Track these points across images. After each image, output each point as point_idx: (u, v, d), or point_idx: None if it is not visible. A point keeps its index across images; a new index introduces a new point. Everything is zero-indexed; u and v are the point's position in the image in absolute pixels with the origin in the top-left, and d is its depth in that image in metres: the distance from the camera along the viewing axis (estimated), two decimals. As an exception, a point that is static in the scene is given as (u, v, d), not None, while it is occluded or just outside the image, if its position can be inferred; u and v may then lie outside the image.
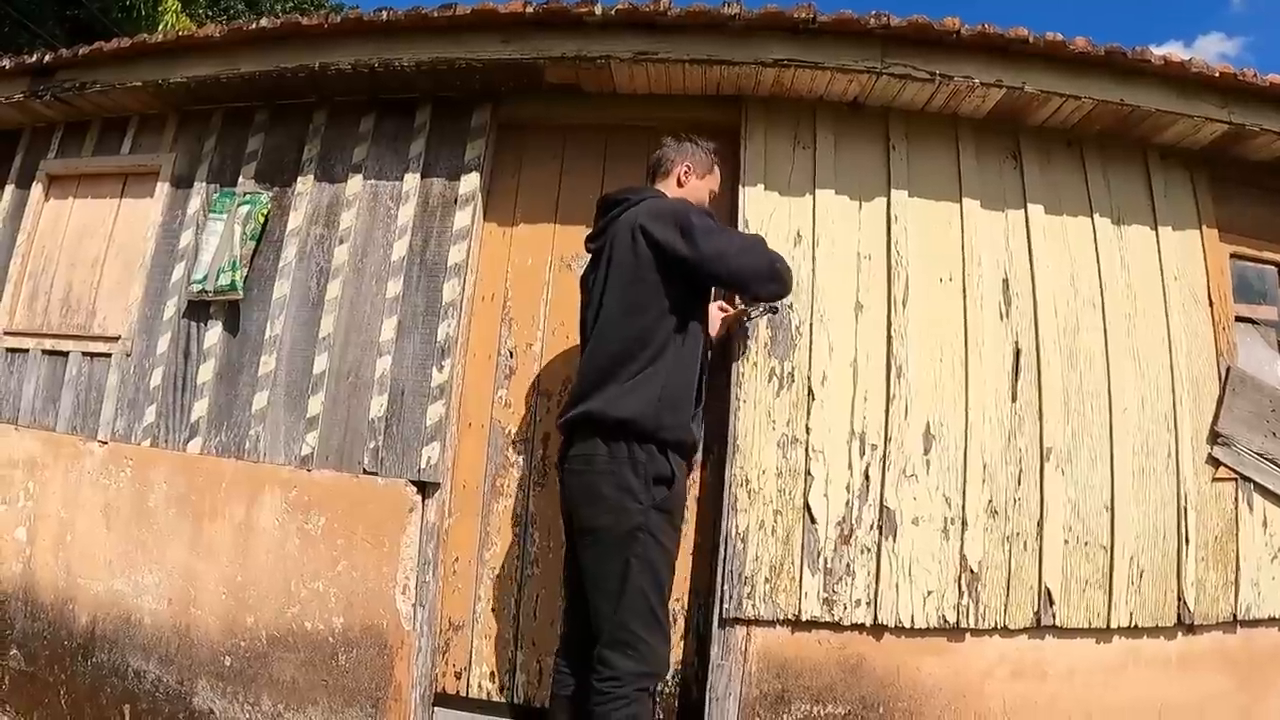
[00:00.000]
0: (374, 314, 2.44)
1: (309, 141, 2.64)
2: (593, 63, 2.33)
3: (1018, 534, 2.28)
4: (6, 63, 2.84)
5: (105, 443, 2.69)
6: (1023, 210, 2.45)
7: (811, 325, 2.32)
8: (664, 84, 2.44)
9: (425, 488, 2.34)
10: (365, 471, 2.38)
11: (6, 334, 2.92)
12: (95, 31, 6.95)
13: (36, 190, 3.00)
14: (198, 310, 2.63)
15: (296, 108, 2.69)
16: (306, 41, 2.47)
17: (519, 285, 2.49)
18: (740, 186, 2.40)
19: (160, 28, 6.70)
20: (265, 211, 2.57)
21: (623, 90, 2.48)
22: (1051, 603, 2.26)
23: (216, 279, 2.53)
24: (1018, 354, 2.36)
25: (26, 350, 2.87)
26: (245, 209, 2.55)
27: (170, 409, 2.60)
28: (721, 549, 2.22)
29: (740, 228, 2.37)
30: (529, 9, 2.31)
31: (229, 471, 2.50)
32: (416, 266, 2.44)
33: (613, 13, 2.29)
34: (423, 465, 2.33)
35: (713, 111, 2.50)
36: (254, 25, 2.49)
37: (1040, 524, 2.29)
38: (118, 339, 2.72)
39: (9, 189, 3.05)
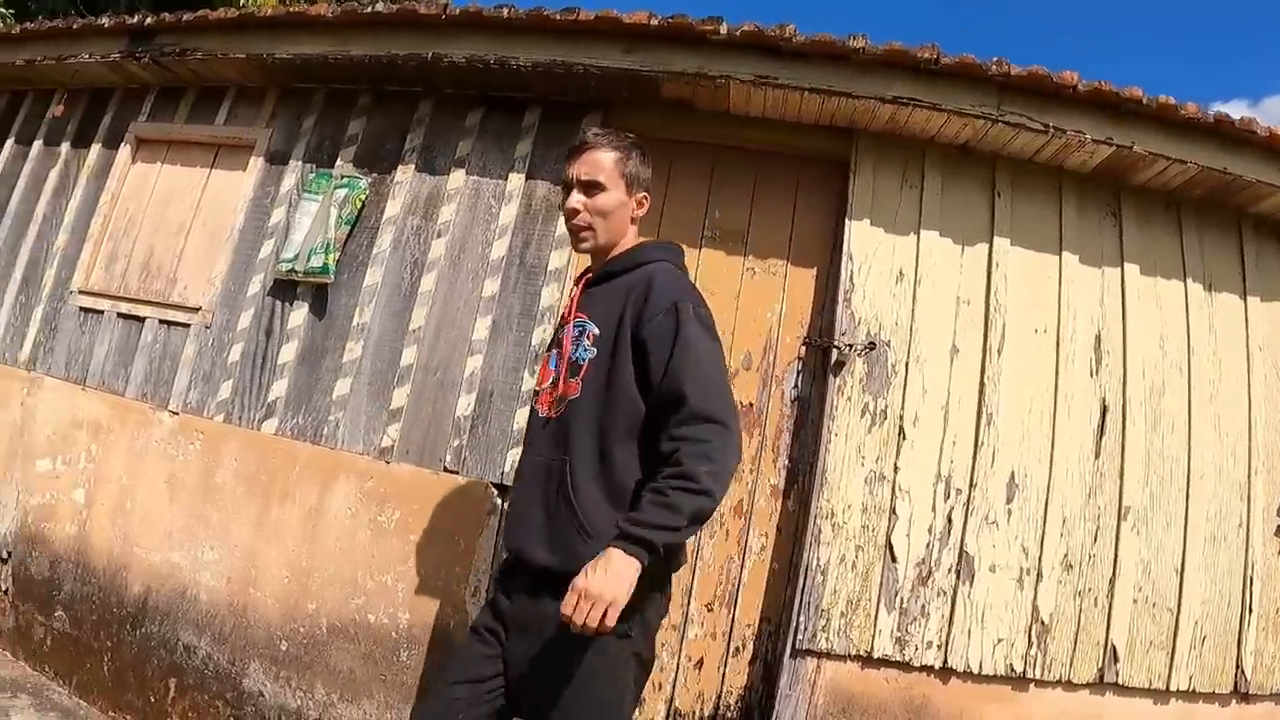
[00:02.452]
0: (467, 312, 2.43)
1: (412, 130, 2.62)
2: (712, 81, 2.32)
3: (1089, 589, 2.29)
4: (105, 21, 2.81)
5: (176, 413, 2.67)
6: (1119, 269, 2.46)
7: (907, 365, 2.32)
8: (778, 109, 2.44)
9: (506, 491, 2.33)
10: (446, 469, 2.36)
11: (82, 293, 2.89)
12: (179, -1, 6.90)
13: (124, 151, 2.97)
14: (284, 289, 2.61)
15: (401, 95, 2.67)
16: (422, 30, 2.46)
17: (615, 296, 2.48)
18: (846, 220, 2.40)
19: (251, 1, 6.69)
20: (363, 197, 2.55)
21: (735, 111, 2.48)
22: (1116, 660, 2.27)
23: (307, 260, 2.52)
24: (1104, 411, 2.38)
25: (101, 311, 2.85)
26: (342, 192, 2.53)
27: (247, 386, 2.58)
28: (801, 580, 2.22)
29: (844, 261, 2.37)
30: (654, 21, 2.30)
31: (304, 455, 2.48)
32: (515, 268, 2.43)
33: (737, 33, 2.29)
34: (507, 468, 2.32)
35: (821, 141, 2.50)
36: (369, 9, 2.48)
37: (1112, 581, 2.30)
38: (198, 310, 2.69)
39: (95, 147, 3.02)
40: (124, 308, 2.81)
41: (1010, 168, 2.48)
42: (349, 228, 2.54)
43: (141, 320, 2.79)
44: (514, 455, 2.33)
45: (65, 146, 3.11)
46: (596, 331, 1.39)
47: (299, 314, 2.57)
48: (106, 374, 2.80)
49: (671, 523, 1.18)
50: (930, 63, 2.28)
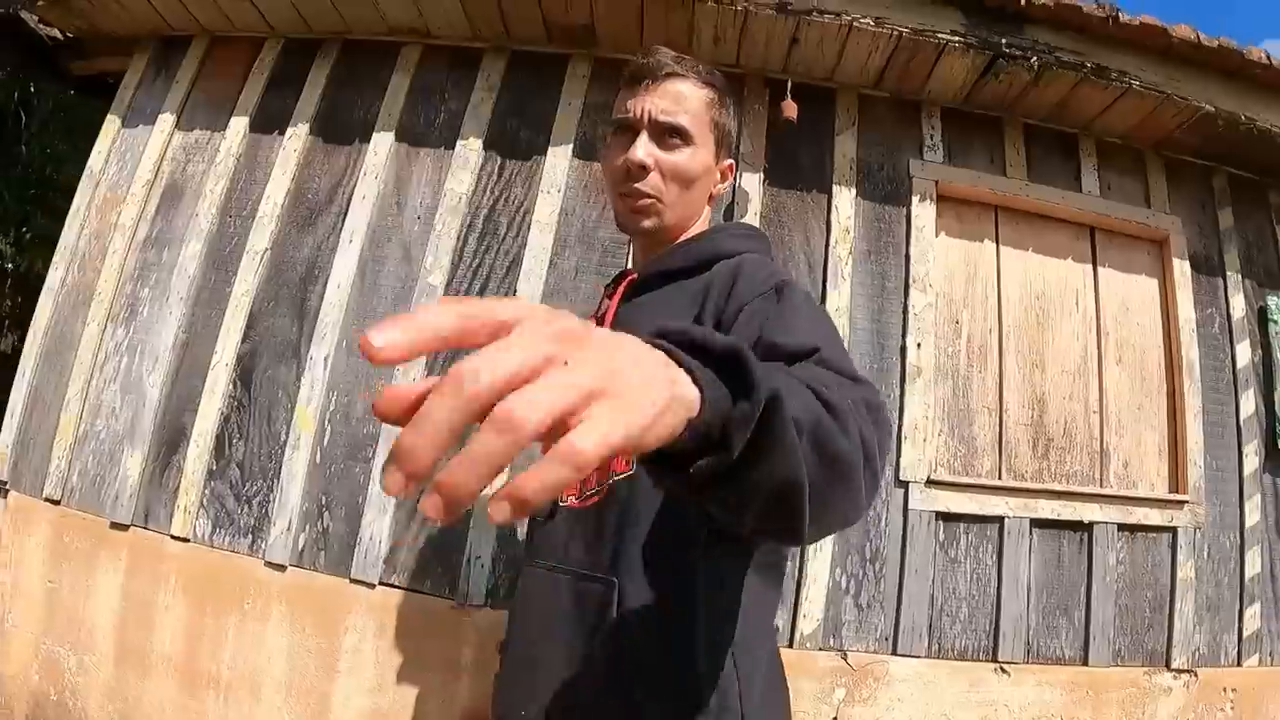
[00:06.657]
0: None
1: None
2: None
3: None
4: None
5: (1189, 672, 1.60)
6: None
7: None
8: None
9: None
10: None
11: (932, 484, 1.50)
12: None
13: (921, 211, 1.61)
14: (1288, 463, 1.79)
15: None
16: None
17: None
18: None
19: None
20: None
21: None
22: None
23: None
24: None
25: (981, 517, 1.53)
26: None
27: (1273, 612, 1.70)
28: None
29: None
30: None
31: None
32: None
33: None
34: None
35: None
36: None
37: None
38: (1183, 504, 1.66)
39: (848, 196, 1.55)
40: (1045, 510, 1.57)
41: None
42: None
43: (1084, 529, 1.60)
44: None
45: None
46: None
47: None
48: (1033, 630, 1.54)
49: (797, 394, 0.45)
50: None
